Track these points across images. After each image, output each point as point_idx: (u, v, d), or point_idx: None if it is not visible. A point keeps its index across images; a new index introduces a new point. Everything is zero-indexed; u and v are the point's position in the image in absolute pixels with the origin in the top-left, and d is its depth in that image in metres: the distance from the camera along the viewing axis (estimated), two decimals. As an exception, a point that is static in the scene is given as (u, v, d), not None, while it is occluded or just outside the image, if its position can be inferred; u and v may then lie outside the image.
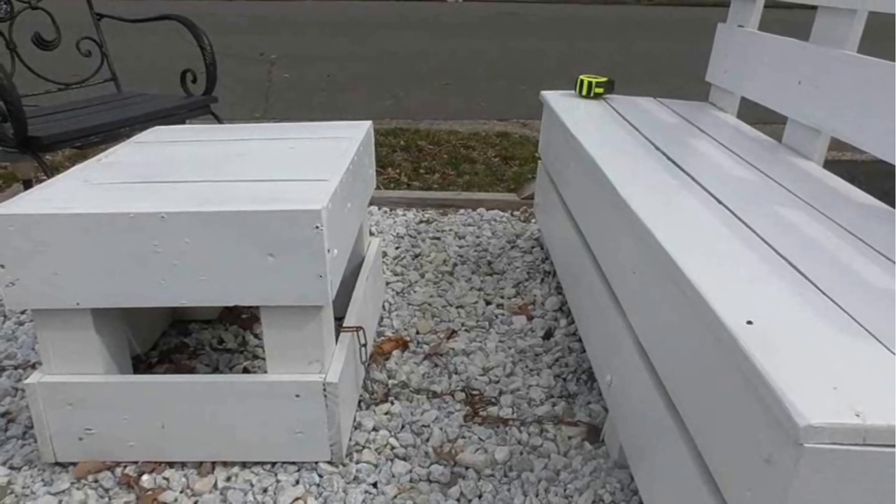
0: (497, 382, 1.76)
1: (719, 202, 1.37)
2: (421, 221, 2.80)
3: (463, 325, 2.03)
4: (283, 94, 5.43)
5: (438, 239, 2.62)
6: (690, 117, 2.14)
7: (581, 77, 2.26)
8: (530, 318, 2.05)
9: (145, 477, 1.43)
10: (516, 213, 2.91)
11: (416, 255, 2.48)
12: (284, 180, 1.45)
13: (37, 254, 1.30)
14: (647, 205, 1.33)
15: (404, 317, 2.06)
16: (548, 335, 1.97)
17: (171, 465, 1.47)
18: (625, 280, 1.41)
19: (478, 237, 2.64)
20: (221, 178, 1.47)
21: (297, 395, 1.40)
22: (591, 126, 1.94)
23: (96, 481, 1.43)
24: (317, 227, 1.27)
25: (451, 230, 2.70)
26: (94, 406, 1.42)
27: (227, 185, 1.43)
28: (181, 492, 1.41)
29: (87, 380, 1.41)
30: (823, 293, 1.01)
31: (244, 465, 1.46)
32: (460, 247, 2.55)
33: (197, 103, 2.46)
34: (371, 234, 2.67)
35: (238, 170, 1.53)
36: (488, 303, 2.15)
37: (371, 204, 2.95)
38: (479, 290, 2.23)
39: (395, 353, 1.86)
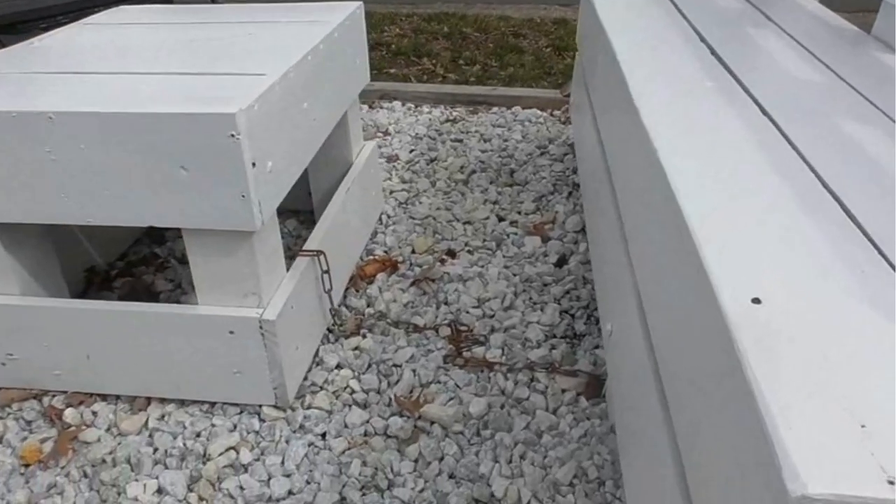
0: (491, 317, 1.51)
1: (764, 112, 1.03)
2: (447, 120, 2.50)
3: (466, 244, 1.76)
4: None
5: (460, 141, 2.32)
6: (759, 1, 1.72)
7: (628, -52, 1.85)
8: (545, 240, 1.77)
9: (69, 411, 1.28)
10: (556, 112, 2.56)
11: (432, 160, 2.20)
12: (223, 74, 1.19)
13: (-79, 157, 1.11)
14: (662, 113, 1.01)
15: (401, 233, 1.81)
16: (561, 262, 1.69)
17: (103, 397, 1.31)
18: (632, 209, 1.11)
19: (505, 140, 2.32)
20: (151, 70, 1.22)
21: (231, 332, 1.19)
22: (622, 7, 1.57)
23: (21, 410, 1.29)
24: (232, 136, 1.01)
25: (476, 131, 2.39)
26: (13, 330, 1.26)
27: (153, 78, 1.18)
28: (107, 429, 1.25)
29: (2, 302, 1.24)
30: (882, 265, 0.70)
31: (182, 402, 1.29)
32: (483, 151, 2.25)
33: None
34: (382, 133, 2.39)
35: (176, 61, 1.27)
36: (501, 219, 1.88)
37: (394, 98, 2.66)
38: (494, 203, 1.95)
39: (380, 276, 1.63)
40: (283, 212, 1.88)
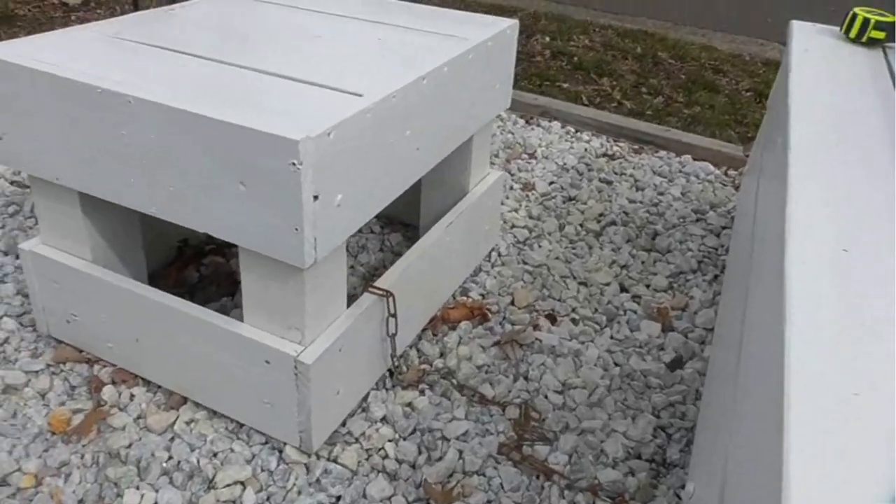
0: (571, 410, 1.31)
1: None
2: (604, 154, 2.27)
3: (573, 311, 1.56)
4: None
5: (609, 183, 2.09)
6: None
7: (856, 10, 1.52)
8: (667, 330, 1.53)
9: (109, 388, 1.24)
10: (731, 173, 2.25)
11: (570, 199, 2.00)
12: (320, 85, 1.07)
13: (17, 109, 1.09)
14: (812, 265, 0.76)
15: (505, 278, 1.64)
16: (676, 363, 1.44)
17: (146, 381, 1.27)
18: (751, 350, 0.87)
19: (661, 194, 2.06)
20: (252, 65, 1.13)
21: (267, 362, 1.09)
22: (826, 91, 1.28)
23: (71, 371, 1.28)
24: (293, 164, 0.89)
25: (632, 175, 2.15)
26: (77, 293, 1.24)
27: (249, 75, 1.10)
28: (135, 419, 1.20)
29: (70, 263, 1.22)
30: None
31: (213, 413, 1.22)
32: (630, 201, 2.01)
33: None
34: (528, 154, 2.21)
35: (284, 58, 1.18)
36: (624, 289, 1.65)
37: (555, 118, 2.46)
38: (622, 267, 1.72)
39: (465, 324, 1.47)
40: (391, 222, 1.78)
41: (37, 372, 1.27)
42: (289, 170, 0.90)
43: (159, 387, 1.26)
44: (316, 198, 0.94)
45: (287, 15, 1.40)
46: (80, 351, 1.31)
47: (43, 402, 1.22)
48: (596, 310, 1.57)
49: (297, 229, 0.94)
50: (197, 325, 1.13)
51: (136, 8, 2.23)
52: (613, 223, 1.90)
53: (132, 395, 1.24)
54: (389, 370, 1.33)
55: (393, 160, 1.11)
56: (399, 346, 1.34)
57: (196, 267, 1.54)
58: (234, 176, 0.95)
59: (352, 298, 1.20)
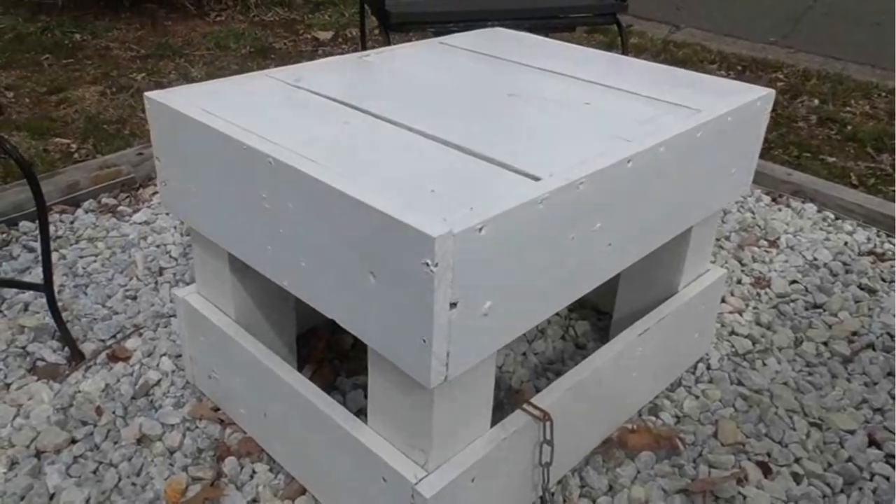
0: None
1: None
2: (870, 253, 1.82)
3: (796, 460, 1.20)
4: (820, 19, 4.29)
5: (873, 293, 1.65)
6: None
7: None
8: (931, 515, 1.11)
9: (231, 460, 1.14)
10: None
11: (815, 307, 1.60)
12: (492, 161, 0.88)
13: (178, 157, 1.03)
14: None
15: (711, 401, 1.31)
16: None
17: (271, 458, 1.15)
18: None
19: (944, 316, 1.59)
20: (422, 128, 0.97)
21: (384, 480, 0.91)
22: None
23: (204, 430, 1.20)
24: (426, 265, 0.70)
25: (905, 285, 1.69)
26: (217, 350, 1.16)
27: (414, 139, 0.93)
28: (248, 502, 1.08)
29: (215, 318, 1.14)
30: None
31: (330, 513, 1.06)
32: (899, 320, 1.56)
33: (601, 7, 1.87)
34: (768, 242, 1.83)
35: (463, 122, 1.00)
36: (875, 443, 1.24)
37: (811, 199, 2.04)
38: (877, 411, 1.31)
39: (646, 455, 1.18)
40: (581, 306, 1.53)
41: (172, 426, 1.21)
42: (421, 270, 0.71)
43: (281, 470, 1.13)
44: (454, 305, 0.74)
45: (488, 68, 1.23)
46: (216, 410, 1.23)
47: (169, 462, 1.14)
48: (829, 466, 1.19)
49: (424, 341, 0.75)
50: (317, 416, 0.98)
51: (363, 47, 2.23)
52: (871, 347, 1.47)
53: (253, 472, 1.13)
54: (541, 498, 1.09)
55: (572, 259, 0.88)
56: (558, 470, 1.09)
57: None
58: (364, 264, 0.78)
59: (516, 394, 0.98)
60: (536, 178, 0.83)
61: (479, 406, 0.91)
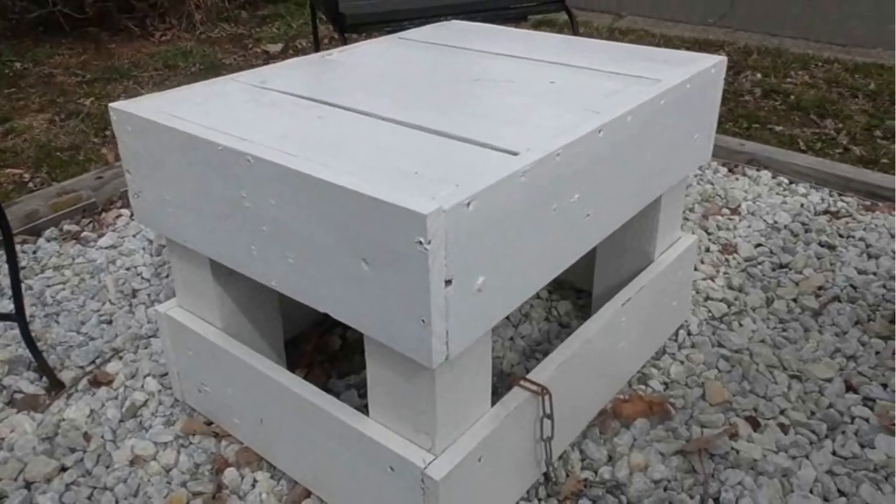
0: (777, 553, 1.00)
1: None
2: (825, 212, 1.89)
3: (782, 412, 1.24)
4: (750, -3, 4.42)
5: (832, 248, 1.71)
6: None
7: None
8: (913, 450, 1.16)
9: (231, 471, 1.13)
10: None
11: (781, 266, 1.65)
12: (469, 141, 0.89)
13: (150, 166, 1.02)
14: None
15: (695, 364, 1.34)
16: (929, 500, 1.07)
17: (271, 466, 1.14)
18: None
19: (902, 264, 1.65)
20: (396, 117, 0.98)
21: (392, 469, 0.91)
22: None
23: (199, 445, 1.18)
24: (419, 243, 0.71)
25: (862, 239, 1.75)
26: (206, 363, 1.15)
27: (388, 128, 0.94)
28: (252, 511, 1.08)
29: (201, 330, 1.13)
30: None
31: (336, 512, 1.06)
32: (861, 272, 1.62)
33: (549, -6, 1.91)
34: (730, 210, 1.88)
35: (435, 107, 1.01)
36: (851, 388, 1.29)
37: (765, 167, 2.11)
38: (849, 359, 1.36)
39: (640, 422, 1.20)
40: (560, 287, 1.55)
41: (165, 444, 1.19)
42: (415, 249, 0.72)
43: (282, 475, 1.12)
44: (449, 283, 0.75)
45: (451, 58, 1.25)
46: (209, 423, 1.22)
47: (166, 480, 1.13)
48: (812, 414, 1.24)
49: (423, 321, 0.75)
50: (317, 414, 0.98)
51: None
52: (837, 299, 1.53)
53: (255, 482, 1.12)
54: (544, 474, 1.10)
55: (555, 230, 0.90)
56: (558, 445, 1.11)
57: (342, 332, 1.41)
58: (355, 252, 0.79)
59: (507, 377, 1.00)
60: (515, 153, 0.84)
61: (479, 385, 0.92)
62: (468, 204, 0.74)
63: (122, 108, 1.01)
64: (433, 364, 0.78)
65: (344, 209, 0.77)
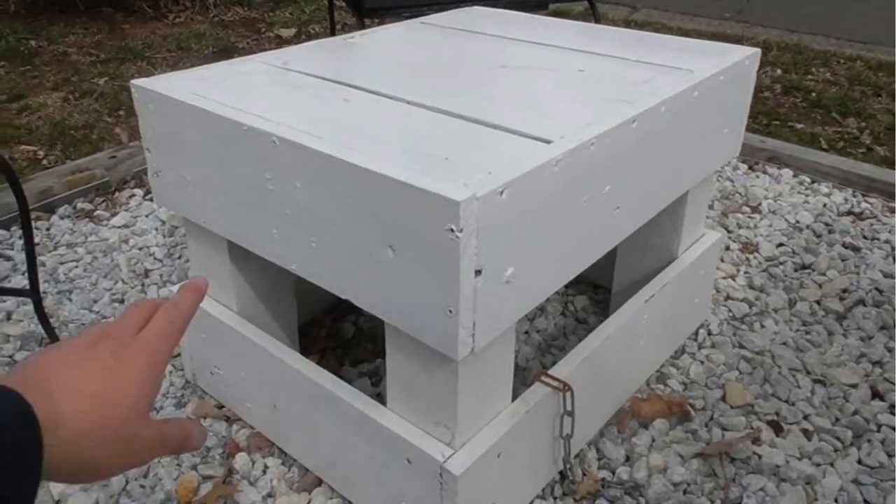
0: (799, 560, 0.97)
1: None
2: (848, 213, 1.85)
3: (805, 418, 1.21)
4: (771, -7, 4.36)
5: (857, 250, 1.68)
6: None
7: None
8: (939, 459, 1.13)
9: (242, 456, 1.11)
10: None
11: (804, 267, 1.62)
12: (501, 128, 0.87)
13: (171, 145, 1.00)
14: None
15: (715, 365, 1.32)
16: (955, 511, 1.05)
17: (283, 451, 1.12)
18: None
19: (928, 268, 1.62)
20: (424, 102, 0.95)
21: (409, 461, 0.89)
22: None
23: (210, 428, 1.17)
24: (451, 231, 0.69)
25: (887, 242, 1.72)
26: (219, 346, 1.13)
27: (419, 114, 0.91)
28: (263, 497, 1.06)
29: (215, 312, 1.11)
30: None
31: None
32: (886, 275, 1.59)
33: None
34: (750, 208, 1.85)
35: (465, 93, 0.99)
36: (877, 395, 1.26)
37: (786, 164, 2.07)
38: (875, 364, 1.33)
39: (659, 423, 1.18)
40: (578, 281, 1.52)
41: (177, 424, 1.17)
42: (445, 237, 0.69)
43: (294, 462, 1.11)
44: (479, 273, 0.72)
45: (475, 43, 1.22)
46: (221, 407, 1.20)
47: (176, 463, 1.11)
48: (837, 420, 1.21)
49: (450, 311, 0.73)
50: (333, 401, 0.96)
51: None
52: (862, 303, 1.50)
53: (266, 467, 1.10)
54: (561, 472, 1.08)
55: (585, 223, 0.87)
56: (575, 444, 1.09)
57: (355, 319, 1.39)
58: (382, 238, 0.76)
59: (522, 372, 0.97)
60: (548, 142, 0.82)
61: (501, 379, 0.90)
62: (501, 192, 0.71)
63: (145, 85, 0.98)
64: (458, 356, 0.75)
65: (372, 194, 0.75)
